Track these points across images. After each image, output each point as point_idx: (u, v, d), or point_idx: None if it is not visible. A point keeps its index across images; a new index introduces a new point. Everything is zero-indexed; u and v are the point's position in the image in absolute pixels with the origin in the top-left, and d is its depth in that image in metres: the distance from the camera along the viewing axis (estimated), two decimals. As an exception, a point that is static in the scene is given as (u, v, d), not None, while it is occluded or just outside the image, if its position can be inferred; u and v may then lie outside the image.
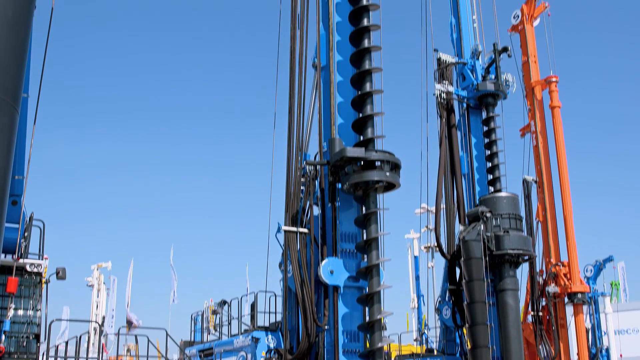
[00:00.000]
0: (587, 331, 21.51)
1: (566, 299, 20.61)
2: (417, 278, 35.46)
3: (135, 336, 18.33)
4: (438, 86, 18.05)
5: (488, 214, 15.72)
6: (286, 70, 12.69)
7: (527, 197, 20.21)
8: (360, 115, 11.74)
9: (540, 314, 20.07)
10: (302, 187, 12.46)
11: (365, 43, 11.86)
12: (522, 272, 17.79)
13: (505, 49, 19.17)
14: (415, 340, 30.94)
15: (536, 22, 23.43)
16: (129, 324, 35.12)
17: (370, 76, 11.81)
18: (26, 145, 10.68)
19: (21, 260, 12.11)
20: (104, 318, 34.22)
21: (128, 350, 32.74)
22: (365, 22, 11.97)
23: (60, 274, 12.51)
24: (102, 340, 29.03)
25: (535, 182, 21.49)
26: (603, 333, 22.54)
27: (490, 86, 18.33)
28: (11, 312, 11.50)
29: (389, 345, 17.54)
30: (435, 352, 17.96)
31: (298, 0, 12.82)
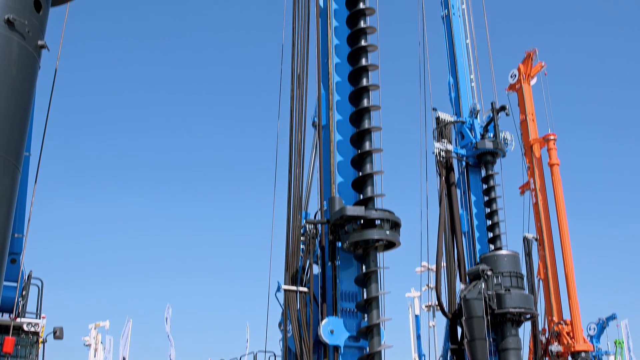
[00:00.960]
0: (591, 391, 21.16)
1: (570, 358, 20.34)
2: (419, 337, 35.01)
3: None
4: (437, 144, 18.18)
5: (489, 272, 15.65)
6: (287, 129, 12.80)
7: (528, 254, 20.13)
8: (360, 173, 11.79)
9: (544, 373, 19.80)
10: (302, 246, 12.42)
11: (365, 103, 11.99)
12: (525, 330, 17.61)
13: (503, 108, 19.38)
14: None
15: (533, 81, 23.75)
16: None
17: (369, 135, 11.91)
18: (27, 203, 10.71)
19: (18, 320, 12.00)
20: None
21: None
22: (364, 82, 12.13)
23: (58, 334, 12.39)
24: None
25: (536, 239, 21.44)
26: (608, 393, 22.19)
27: (489, 144, 18.46)
28: (7, 373, 11.34)
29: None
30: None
31: (298, 61, 13.02)
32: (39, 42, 6.59)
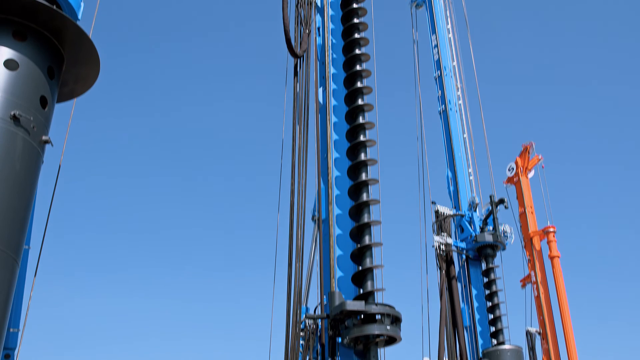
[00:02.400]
0: None
1: None
2: None
3: None
4: (437, 238, 18.19)
5: (492, 368, 15.36)
6: (286, 223, 12.83)
7: (532, 349, 19.80)
8: (360, 268, 11.74)
9: None
10: (301, 342, 12.23)
11: (364, 197, 12.07)
12: None
13: (501, 201, 19.50)
14: None
15: (531, 174, 23.96)
16: None
17: (369, 229, 11.92)
18: (24, 296, 10.59)
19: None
20: None
21: None
22: (363, 176, 12.24)
23: None
24: None
25: (539, 333, 21.12)
26: None
27: (488, 238, 18.47)
28: None
29: None
30: None
31: (297, 156, 13.18)
32: (44, 138, 6.70)
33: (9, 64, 6.49)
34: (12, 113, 6.34)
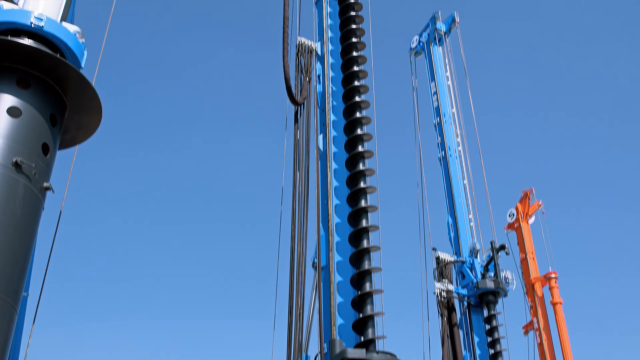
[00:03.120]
0: None
1: None
2: None
3: None
4: (438, 285, 18.10)
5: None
6: (286, 270, 12.78)
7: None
8: (361, 315, 11.65)
9: None
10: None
11: (364, 244, 12.04)
12: None
13: (502, 247, 19.46)
14: None
15: (531, 220, 23.94)
16: None
17: (369, 276, 11.87)
18: (22, 344, 10.49)
19: None
20: None
21: None
22: (364, 223, 12.24)
23: None
24: None
25: (542, 382, 20.84)
26: None
27: (490, 284, 18.37)
28: None
29: None
30: None
31: (298, 202, 13.19)
32: (45, 184, 6.72)
33: (12, 111, 6.55)
34: (14, 160, 6.37)
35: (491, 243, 19.42)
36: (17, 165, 6.37)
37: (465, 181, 21.09)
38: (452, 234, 20.02)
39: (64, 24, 7.14)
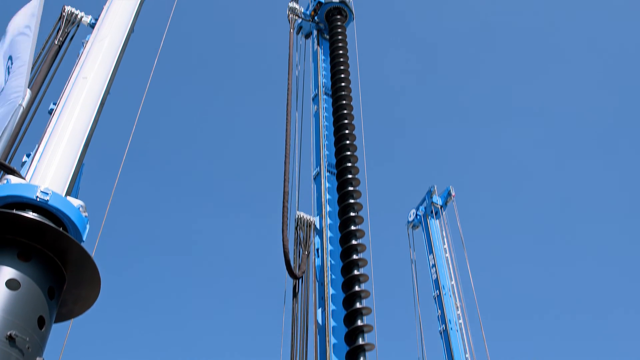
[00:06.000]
0: None
1: None
2: None
3: None
4: None
5: None
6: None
7: None
8: None
9: None
10: None
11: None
12: None
13: None
14: None
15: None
16: None
17: None
18: None
19: None
20: None
21: None
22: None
23: None
24: None
25: None
26: None
27: None
28: None
29: None
30: None
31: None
32: (38, 359, 6.58)
33: (11, 283, 6.55)
34: (8, 333, 6.28)
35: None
36: (10, 339, 6.27)
37: (467, 355, 20.59)
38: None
39: (69, 198, 7.31)
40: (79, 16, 10.68)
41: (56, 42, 10.13)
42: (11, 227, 6.82)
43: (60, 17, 10.55)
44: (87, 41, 8.18)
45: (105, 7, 8.53)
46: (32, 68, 9.21)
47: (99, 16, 8.77)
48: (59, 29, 10.45)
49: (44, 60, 9.65)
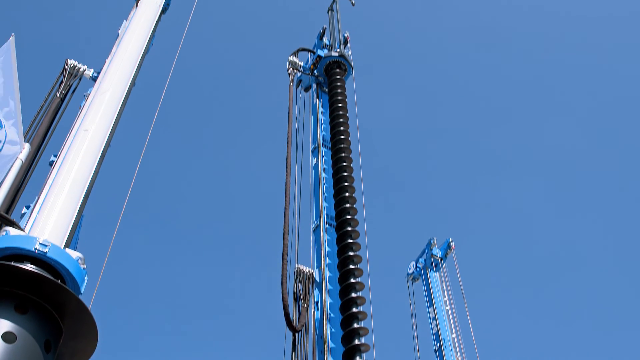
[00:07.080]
0: None
1: None
2: None
3: None
4: None
5: None
6: None
7: None
8: None
9: None
10: None
11: None
12: None
13: None
14: None
15: None
16: None
17: None
18: None
19: None
20: None
21: None
22: None
23: None
24: None
25: None
26: None
27: None
28: None
29: None
30: None
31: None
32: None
33: (7, 336, 6.46)
34: (17, 360, 6.20)
35: None
36: (19, 367, 6.18)
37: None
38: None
39: (68, 250, 7.27)
40: (81, 69, 10.79)
41: (58, 95, 10.21)
42: (9, 279, 6.77)
43: (62, 70, 10.64)
44: (89, 94, 8.26)
45: (107, 61, 8.62)
46: (33, 122, 9.30)
47: (101, 69, 8.86)
48: (62, 82, 10.53)
49: (45, 112, 9.70)
